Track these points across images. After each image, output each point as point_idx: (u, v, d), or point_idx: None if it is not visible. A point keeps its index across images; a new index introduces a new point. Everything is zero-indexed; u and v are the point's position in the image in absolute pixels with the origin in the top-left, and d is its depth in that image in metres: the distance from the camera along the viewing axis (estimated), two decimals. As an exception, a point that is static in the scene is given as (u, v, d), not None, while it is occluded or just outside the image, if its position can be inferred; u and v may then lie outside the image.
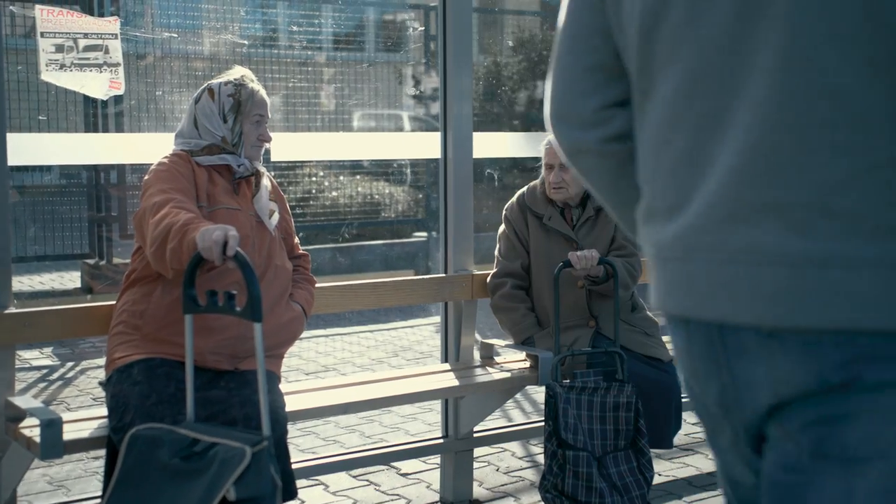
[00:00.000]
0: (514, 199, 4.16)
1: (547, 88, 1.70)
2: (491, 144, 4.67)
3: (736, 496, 1.55)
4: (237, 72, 3.31)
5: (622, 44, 1.55)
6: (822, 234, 1.28)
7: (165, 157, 3.18)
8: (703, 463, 4.57)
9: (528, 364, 4.05)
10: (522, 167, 10.80)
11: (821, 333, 1.29)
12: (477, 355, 4.26)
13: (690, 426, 5.06)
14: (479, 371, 4.05)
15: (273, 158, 4.03)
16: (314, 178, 10.25)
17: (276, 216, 3.28)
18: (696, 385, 1.49)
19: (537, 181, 4.13)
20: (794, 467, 1.34)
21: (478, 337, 4.33)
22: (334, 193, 10.26)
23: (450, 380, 3.94)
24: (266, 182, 3.30)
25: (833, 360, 1.29)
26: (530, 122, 12.69)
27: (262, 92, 3.29)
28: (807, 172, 1.29)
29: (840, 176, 1.27)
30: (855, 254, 1.26)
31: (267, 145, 3.33)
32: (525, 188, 4.17)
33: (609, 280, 3.91)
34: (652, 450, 3.76)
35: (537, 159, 4.19)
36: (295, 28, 10.48)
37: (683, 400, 3.99)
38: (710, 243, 1.37)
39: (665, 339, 4.15)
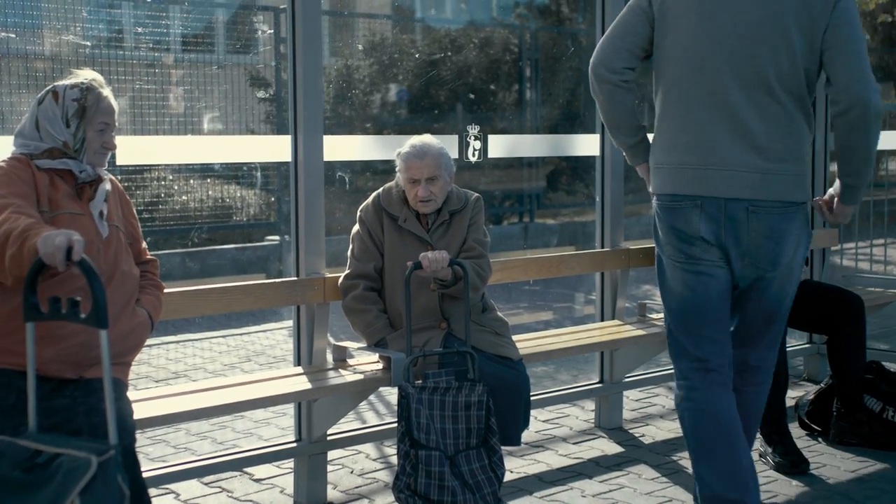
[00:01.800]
0: (369, 200, 4.17)
1: (598, 47, 3.56)
2: (342, 147, 4.68)
3: (702, 289, 3.45)
4: (86, 75, 3.21)
5: (658, 46, 3.52)
6: (770, 160, 3.38)
7: (3, 162, 3.08)
8: (553, 459, 4.68)
9: (380, 366, 4.08)
10: (374, 170, 10.83)
11: (770, 204, 3.37)
12: (330, 358, 4.26)
13: (540, 423, 5.18)
14: (331, 374, 4.06)
15: (119, 162, 3.95)
16: (163, 182, 10.05)
17: (107, 223, 3.20)
18: (703, 230, 3.41)
19: (393, 183, 4.16)
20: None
21: (331, 340, 4.34)
22: (184, 197, 10.09)
23: (303, 383, 3.93)
24: (106, 187, 3.22)
25: (776, 217, 3.39)
26: (382, 125, 12.74)
27: (111, 98, 3.21)
28: (762, 134, 3.38)
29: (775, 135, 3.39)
30: (782, 168, 3.40)
31: (115, 150, 3.26)
32: (381, 189, 4.19)
33: (459, 283, 3.97)
34: (502, 446, 3.83)
35: (389, 162, 4.21)
36: (141, 29, 10.26)
37: (532, 398, 4.09)
38: (718, 160, 3.39)
39: (514, 337, 4.24)
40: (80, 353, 3.01)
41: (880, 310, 5.95)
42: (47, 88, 3.18)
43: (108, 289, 2.93)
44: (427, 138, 4.14)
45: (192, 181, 10.30)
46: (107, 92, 3.21)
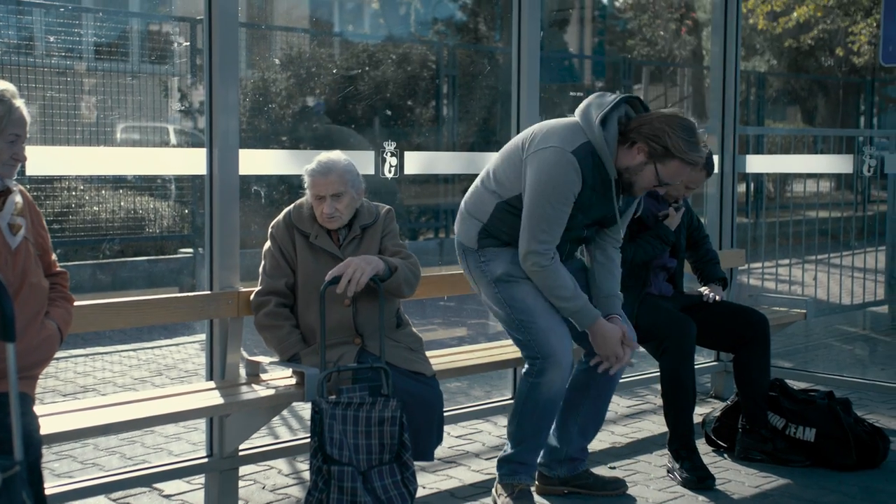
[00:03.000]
0: (280, 216, 4.16)
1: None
2: (258, 161, 4.66)
3: None
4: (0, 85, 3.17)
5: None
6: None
7: None
8: (466, 475, 4.71)
9: (294, 381, 4.07)
10: (290, 184, 10.79)
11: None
12: (243, 373, 4.24)
13: (453, 439, 5.21)
14: (244, 388, 4.03)
15: (29, 172, 3.87)
16: (74, 193, 9.88)
17: (21, 232, 3.14)
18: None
19: (304, 199, 4.15)
20: None
21: (244, 354, 4.31)
22: (95, 208, 9.93)
23: (215, 398, 3.90)
24: (16, 199, 3.16)
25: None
26: (298, 140, 12.69)
27: (23, 109, 3.14)
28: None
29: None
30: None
31: (25, 161, 3.20)
32: (292, 206, 4.18)
33: (393, 274, 3.97)
34: (415, 462, 3.85)
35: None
36: (52, 37, 10.08)
37: (445, 414, 4.12)
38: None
39: (428, 353, 4.26)
40: None
41: (784, 328, 6.11)
42: None
43: (16, 301, 2.89)
44: (334, 155, 4.14)
45: (103, 192, 10.15)
46: (19, 102, 3.15)
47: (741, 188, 9.66)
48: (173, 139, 11.98)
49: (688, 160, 4.01)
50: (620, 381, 4.61)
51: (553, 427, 4.37)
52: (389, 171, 4.86)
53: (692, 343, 4.73)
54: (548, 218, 4.01)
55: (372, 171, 4.78)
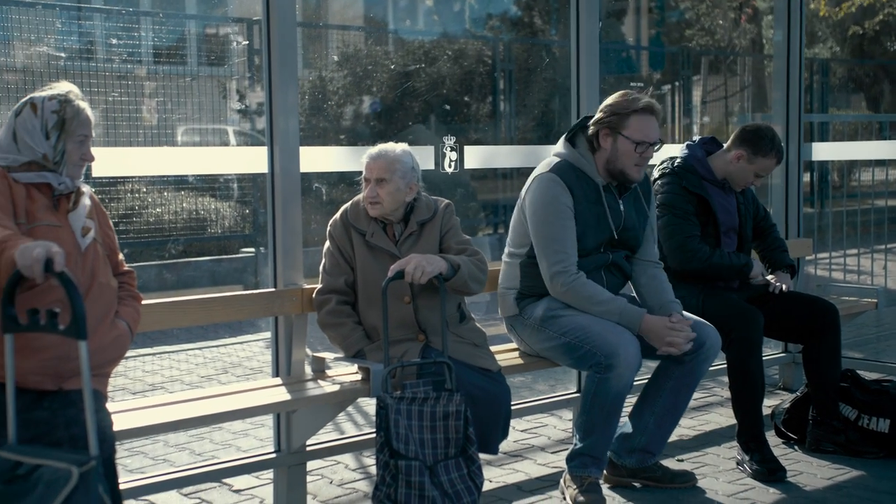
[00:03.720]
0: (337, 215, 4.18)
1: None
2: (317, 159, 4.67)
3: None
4: (63, 87, 3.19)
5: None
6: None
7: None
8: (532, 468, 4.69)
9: (359, 376, 4.08)
10: (349, 181, 10.83)
11: None
12: (308, 369, 4.26)
13: (518, 433, 5.19)
14: (310, 385, 4.05)
15: (93, 174, 3.93)
16: (137, 195, 10.01)
17: (91, 234, 3.18)
18: None
19: (360, 196, 4.16)
20: None
21: (308, 351, 4.33)
22: (158, 210, 10.06)
23: (282, 394, 3.93)
24: (86, 201, 3.21)
25: None
26: (356, 137, 12.74)
27: (88, 110, 3.19)
28: None
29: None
30: None
31: (90, 163, 3.25)
32: (348, 204, 4.19)
33: (457, 272, 3.96)
34: (480, 456, 3.84)
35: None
36: (114, 41, 10.23)
37: (512, 408, 4.10)
38: None
39: (494, 348, 4.25)
40: (59, 365, 2.99)
41: (854, 319, 6.01)
42: (24, 100, 3.15)
43: (86, 300, 2.92)
44: (394, 144, 4.15)
45: (166, 193, 10.28)
46: (84, 104, 3.19)
47: (805, 178, 9.52)
48: (232, 140, 12.10)
49: (634, 107, 4.19)
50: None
51: (629, 414, 4.39)
52: (449, 166, 4.86)
53: (760, 334, 4.66)
54: (554, 236, 4.16)
55: (432, 167, 4.78)
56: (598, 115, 4.29)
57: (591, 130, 4.29)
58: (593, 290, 4.16)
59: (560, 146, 4.35)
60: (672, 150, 5.16)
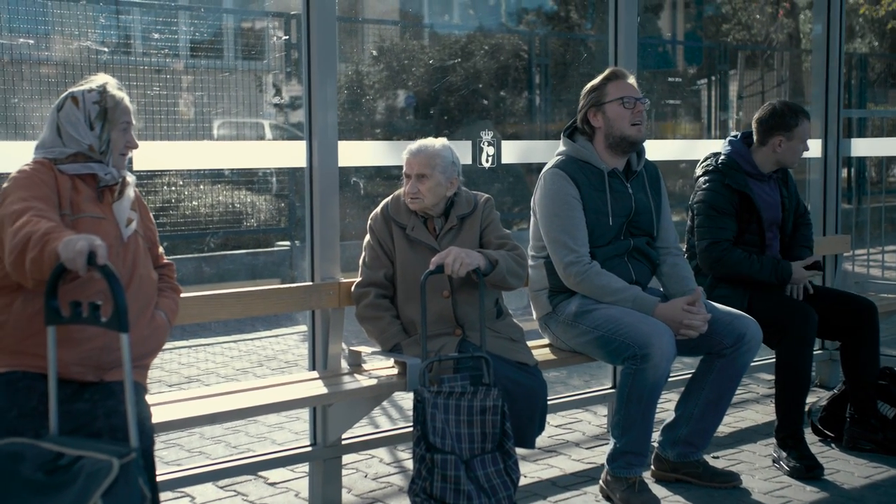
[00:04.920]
0: (378, 209, 4.19)
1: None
2: (355, 153, 4.69)
3: None
4: (100, 79, 3.23)
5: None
6: None
7: (26, 165, 3.10)
8: (566, 464, 4.68)
9: (395, 371, 4.09)
10: (386, 175, 10.85)
11: None
12: (344, 363, 4.27)
13: (553, 428, 5.19)
14: (347, 378, 4.06)
15: (134, 168, 3.97)
16: (174, 188, 10.08)
17: (133, 225, 3.22)
18: None
19: (401, 190, 4.17)
20: None
21: (344, 346, 4.34)
22: (195, 203, 10.12)
23: (318, 387, 3.94)
24: (131, 192, 3.24)
25: None
26: (393, 131, 12.75)
27: (127, 99, 3.23)
28: None
29: None
30: None
31: (133, 152, 3.28)
32: (390, 198, 4.20)
33: (495, 268, 3.96)
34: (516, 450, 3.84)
35: (401, 167, 4.23)
36: (153, 35, 10.30)
37: (548, 403, 4.10)
38: None
39: (530, 343, 4.25)
40: (101, 357, 3.03)
41: (893, 316, 5.95)
42: (64, 95, 3.19)
43: (127, 292, 2.95)
44: (434, 140, 4.17)
45: (202, 186, 10.34)
46: (122, 93, 3.23)
47: (843, 173, 9.42)
48: (268, 134, 12.15)
49: (605, 77, 4.33)
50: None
51: (675, 406, 4.41)
52: (487, 161, 4.86)
53: (814, 331, 4.62)
54: (563, 227, 4.20)
55: (469, 161, 4.78)
56: (579, 106, 4.40)
57: (579, 119, 4.38)
58: (607, 280, 4.18)
59: (561, 144, 4.43)
60: (713, 146, 5.12)
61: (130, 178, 3.27)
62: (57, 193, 3.05)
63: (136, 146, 3.25)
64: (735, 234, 4.73)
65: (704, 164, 4.92)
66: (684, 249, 4.84)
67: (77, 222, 3.03)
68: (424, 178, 4.06)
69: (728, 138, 5.01)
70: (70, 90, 3.21)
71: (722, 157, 4.87)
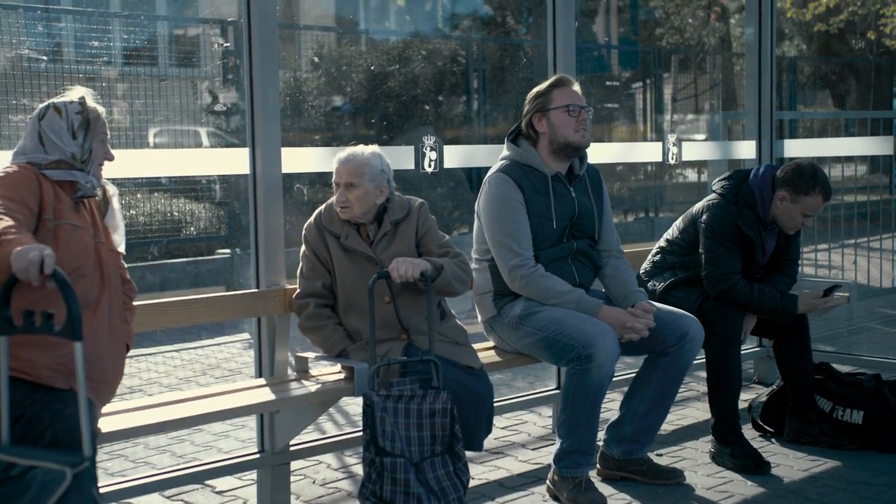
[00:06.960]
0: (311, 219, 4.17)
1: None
2: (297, 159, 4.69)
3: None
4: (78, 91, 3.32)
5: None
6: None
7: (9, 167, 3.12)
8: (513, 465, 4.73)
9: (343, 376, 4.10)
10: (326, 181, 10.84)
11: None
12: (291, 370, 4.27)
13: (499, 430, 5.23)
14: (294, 384, 4.06)
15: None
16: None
17: (120, 239, 3.32)
18: None
19: (332, 199, 4.16)
20: None
21: (290, 353, 4.34)
22: (132, 212, 10.02)
23: (266, 394, 3.94)
24: (116, 203, 3.31)
25: None
26: (333, 137, 12.73)
27: (104, 112, 3.32)
28: None
29: None
30: None
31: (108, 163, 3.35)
32: (322, 207, 4.19)
33: (439, 274, 3.98)
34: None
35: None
36: (83, 43, 10.18)
37: (495, 405, 4.14)
38: None
39: (475, 346, 4.29)
40: (72, 363, 3.01)
41: (825, 313, 6.07)
42: (44, 105, 3.26)
43: (101, 305, 3.00)
44: (363, 147, 4.15)
45: (139, 195, 10.23)
46: (101, 106, 3.32)
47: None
48: (205, 141, 12.06)
49: (551, 83, 4.41)
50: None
51: (619, 405, 4.48)
52: (429, 166, 4.88)
53: (739, 328, 4.73)
54: (508, 231, 4.26)
55: (412, 166, 4.80)
56: (524, 110, 4.45)
57: (524, 124, 4.43)
58: (552, 283, 4.24)
59: (505, 148, 4.48)
60: (649, 149, 5.19)
61: (112, 189, 3.32)
62: (40, 198, 3.07)
63: (112, 158, 3.34)
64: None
65: (722, 183, 4.87)
66: (663, 247, 4.99)
67: (58, 228, 3.07)
68: (353, 187, 4.06)
69: (763, 167, 4.90)
70: (51, 101, 3.27)
71: (745, 187, 4.81)
